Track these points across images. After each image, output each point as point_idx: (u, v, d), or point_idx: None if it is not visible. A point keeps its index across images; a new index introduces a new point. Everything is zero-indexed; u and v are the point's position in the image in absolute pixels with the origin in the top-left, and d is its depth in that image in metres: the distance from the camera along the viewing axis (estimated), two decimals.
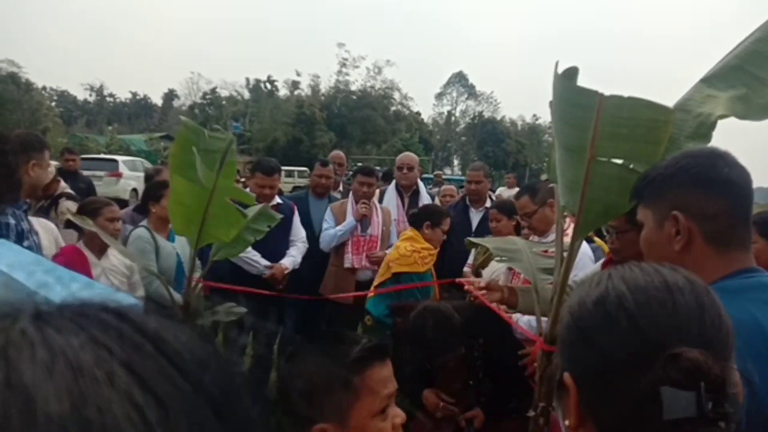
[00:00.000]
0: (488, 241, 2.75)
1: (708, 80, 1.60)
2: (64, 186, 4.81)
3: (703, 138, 1.52)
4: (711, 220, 1.21)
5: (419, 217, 3.93)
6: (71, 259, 2.95)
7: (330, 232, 4.32)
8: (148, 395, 0.29)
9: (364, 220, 4.37)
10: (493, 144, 59.93)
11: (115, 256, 3.20)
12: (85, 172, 10.45)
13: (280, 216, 3.35)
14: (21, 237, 2.32)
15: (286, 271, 4.16)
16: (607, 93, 1.48)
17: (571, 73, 1.57)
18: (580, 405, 0.78)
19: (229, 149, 2.46)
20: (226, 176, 2.47)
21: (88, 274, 2.93)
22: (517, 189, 12.86)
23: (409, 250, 3.80)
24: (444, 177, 17.63)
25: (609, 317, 0.75)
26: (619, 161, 1.59)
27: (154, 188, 3.62)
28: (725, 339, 0.74)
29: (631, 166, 1.56)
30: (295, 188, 14.86)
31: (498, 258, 2.72)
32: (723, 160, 1.23)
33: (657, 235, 1.27)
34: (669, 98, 1.66)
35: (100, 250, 3.15)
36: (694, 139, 1.51)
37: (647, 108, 1.44)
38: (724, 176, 1.21)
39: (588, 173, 1.62)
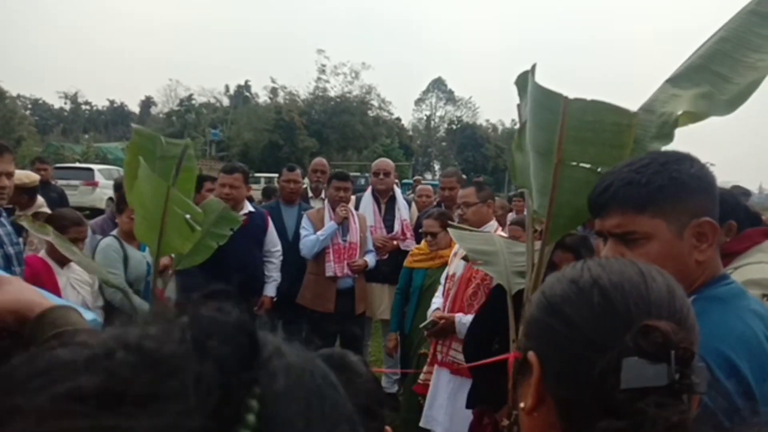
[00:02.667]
0: (465, 240, 2.70)
1: (673, 80, 1.60)
2: (41, 204, 4.55)
3: (666, 138, 1.51)
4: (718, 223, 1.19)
5: None
6: (37, 270, 2.89)
7: (311, 237, 4.26)
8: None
9: (343, 226, 4.34)
10: (473, 149, 60.21)
11: (76, 267, 3.16)
12: (61, 182, 10.31)
13: (242, 218, 3.28)
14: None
15: (274, 300, 4.18)
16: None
17: (531, 70, 1.57)
18: (541, 383, 0.77)
19: (184, 155, 2.39)
20: (183, 183, 2.41)
21: (54, 284, 2.89)
22: None
23: None
24: (423, 182, 17.60)
25: (582, 292, 0.77)
26: (587, 165, 1.58)
27: (119, 201, 3.59)
28: (693, 326, 0.76)
29: (599, 169, 1.56)
30: None
31: (473, 261, 2.70)
32: (699, 162, 1.22)
33: (676, 247, 1.15)
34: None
35: (63, 261, 3.12)
36: (659, 140, 1.50)
37: (610, 112, 1.44)
38: (713, 178, 1.21)
39: (556, 177, 1.61)
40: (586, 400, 0.70)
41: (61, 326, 0.74)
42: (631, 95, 1.77)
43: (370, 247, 4.53)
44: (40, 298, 0.80)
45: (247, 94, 54.87)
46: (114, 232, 3.54)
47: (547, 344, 0.79)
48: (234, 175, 3.96)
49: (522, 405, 0.81)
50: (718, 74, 1.51)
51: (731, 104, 1.46)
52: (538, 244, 1.96)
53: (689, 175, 1.17)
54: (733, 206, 2.16)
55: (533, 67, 1.55)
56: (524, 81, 1.66)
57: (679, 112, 1.50)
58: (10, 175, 2.62)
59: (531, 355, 0.79)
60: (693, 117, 1.48)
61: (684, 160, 1.21)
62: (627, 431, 0.65)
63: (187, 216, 2.41)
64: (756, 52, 1.51)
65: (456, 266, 3.33)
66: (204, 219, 2.67)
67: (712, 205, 1.18)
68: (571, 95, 1.48)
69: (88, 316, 1.63)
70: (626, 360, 0.68)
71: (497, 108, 69.80)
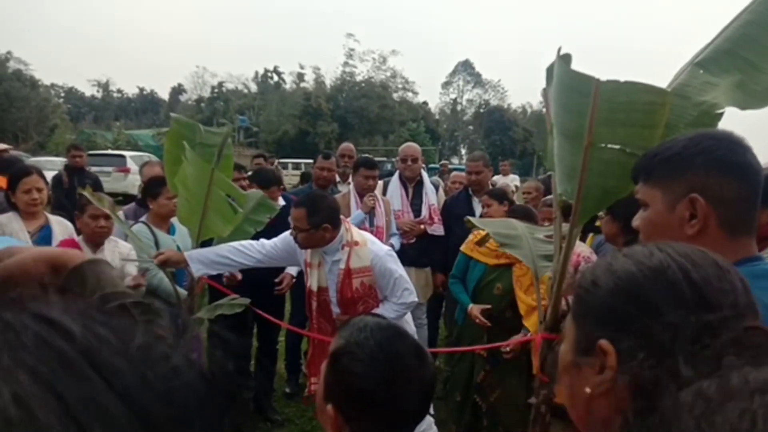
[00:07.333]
0: (488, 225, 2.70)
1: (701, 64, 1.56)
2: None
3: (706, 128, 1.48)
4: (728, 205, 1.17)
5: None
6: None
7: None
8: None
9: (369, 213, 4.36)
10: (500, 132, 59.46)
11: (109, 250, 3.28)
12: (94, 168, 10.52)
13: (279, 206, 3.35)
14: None
15: (293, 280, 4.17)
16: (607, 76, 1.46)
17: (567, 59, 1.55)
18: (616, 370, 0.76)
19: (225, 143, 2.46)
20: (222, 170, 2.48)
21: None
22: (512, 176, 12.64)
23: None
24: (450, 166, 17.56)
25: (673, 287, 0.75)
26: (617, 146, 1.56)
27: (153, 185, 3.65)
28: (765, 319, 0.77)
29: (629, 150, 1.54)
30: None
31: (500, 244, 2.69)
32: (741, 145, 1.20)
33: (666, 218, 1.20)
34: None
35: (96, 244, 3.24)
36: (696, 128, 1.47)
37: (644, 91, 1.42)
38: (746, 162, 1.18)
39: (586, 159, 1.60)
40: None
41: (104, 286, 0.75)
42: (665, 73, 1.72)
43: (395, 230, 4.54)
44: (75, 252, 0.81)
45: (278, 79, 55.11)
46: (143, 218, 3.61)
47: (629, 335, 0.76)
48: (271, 189, 3.98)
49: (588, 390, 0.79)
50: (747, 61, 1.47)
51: (766, 96, 1.42)
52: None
53: (698, 152, 1.17)
54: None
55: (559, 49, 1.54)
56: (553, 67, 1.64)
57: (724, 106, 1.46)
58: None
59: (605, 343, 0.77)
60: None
61: (719, 139, 1.20)
62: None
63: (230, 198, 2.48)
64: None
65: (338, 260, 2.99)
66: (245, 206, 2.75)
67: (719, 185, 1.16)
68: (601, 73, 1.46)
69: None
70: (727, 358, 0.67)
71: (526, 91, 68.73)
